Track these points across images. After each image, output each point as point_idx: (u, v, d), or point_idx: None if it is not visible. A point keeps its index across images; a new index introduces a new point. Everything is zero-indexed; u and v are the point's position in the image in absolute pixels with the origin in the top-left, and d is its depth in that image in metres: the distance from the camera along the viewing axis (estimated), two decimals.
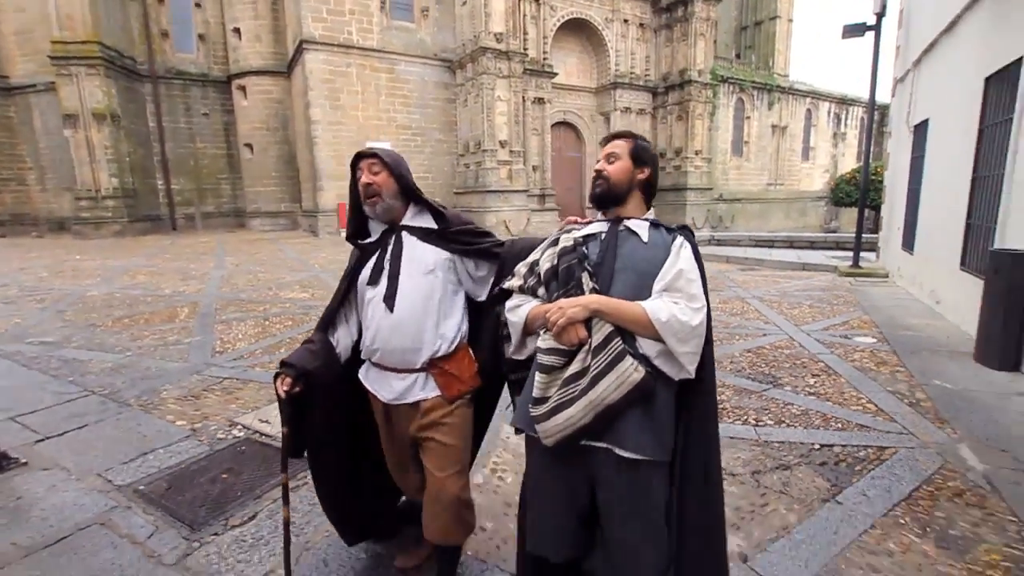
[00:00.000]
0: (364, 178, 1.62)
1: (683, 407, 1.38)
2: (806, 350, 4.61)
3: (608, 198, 1.50)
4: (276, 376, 1.61)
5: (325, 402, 1.69)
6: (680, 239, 1.42)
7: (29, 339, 5.11)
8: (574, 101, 22.14)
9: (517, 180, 18.65)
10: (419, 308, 1.62)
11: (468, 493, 1.71)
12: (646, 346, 1.31)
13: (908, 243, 7.79)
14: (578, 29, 21.26)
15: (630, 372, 1.27)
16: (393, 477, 1.90)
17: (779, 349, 4.66)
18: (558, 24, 20.18)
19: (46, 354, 4.62)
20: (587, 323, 1.32)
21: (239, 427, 3.14)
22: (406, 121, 18.86)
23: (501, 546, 2.02)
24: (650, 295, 1.34)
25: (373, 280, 1.65)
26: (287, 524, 1.65)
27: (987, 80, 5.07)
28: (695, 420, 1.39)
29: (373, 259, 1.68)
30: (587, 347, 1.31)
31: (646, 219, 1.48)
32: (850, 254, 9.52)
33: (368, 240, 1.74)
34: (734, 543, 2.01)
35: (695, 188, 22.57)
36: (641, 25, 22.41)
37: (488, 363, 1.74)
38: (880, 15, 8.53)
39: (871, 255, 10.16)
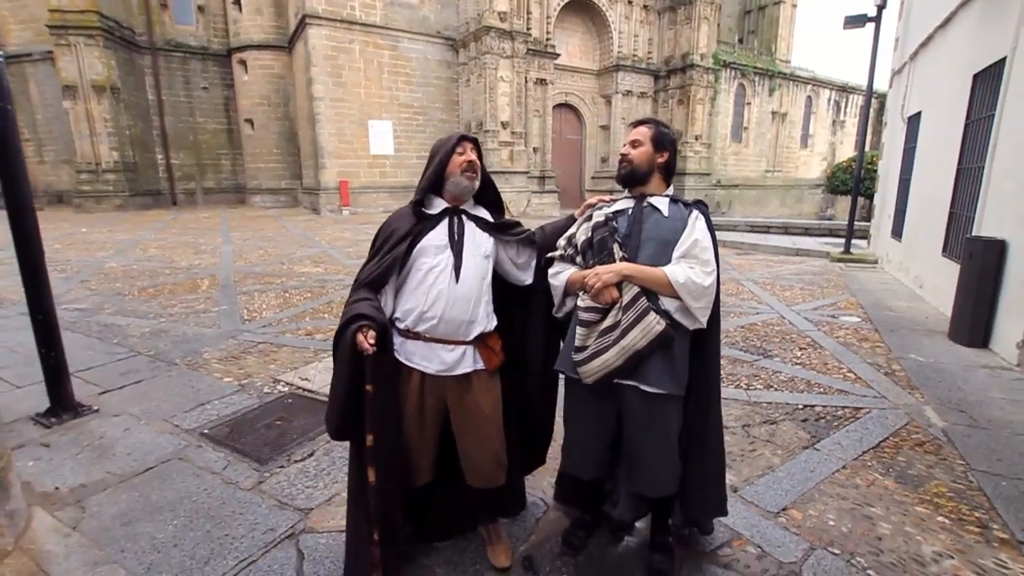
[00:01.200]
0: (471, 156, 1.77)
1: (695, 354, 1.72)
2: (795, 327, 4.98)
3: (632, 179, 1.78)
4: (357, 330, 1.54)
5: (388, 364, 1.67)
6: (695, 212, 1.71)
7: (64, 305, 5.38)
8: (576, 83, 22.18)
9: (518, 162, 18.82)
10: (477, 286, 1.76)
11: (503, 442, 1.83)
12: (667, 303, 1.64)
13: (897, 231, 8.14)
14: (581, 9, 21.19)
15: (653, 324, 1.58)
16: (411, 458, 1.79)
17: (770, 326, 5.02)
18: (561, 4, 20.11)
19: (84, 319, 4.92)
20: (618, 286, 1.64)
21: (282, 383, 3.46)
22: (408, 100, 18.88)
23: (530, 477, 2.37)
24: (670, 261, 1.66)
25: (442, 251, 1.73)
26: (375, 489, 1.59)
27: (975, 77, 5.35)
28: (703, 364, 1.75)
29: (438, 231, 1.76)
30: (618, 305, 1.62)
31: (666, 195, 1.77)
32: (843, 241, 9.88)
33: (430, 212, 1.80)
34: (727, 479, 2.37)
35: (694, 173, 22.80)
36: (645, 7, 22.35)
37: (542, 339, 1.92)
38: (881, 7, 8.73)
39: (863, 242, 10.53)
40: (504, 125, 18.24)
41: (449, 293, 1.71)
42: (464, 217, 1.81)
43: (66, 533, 2.02)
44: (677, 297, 1.61)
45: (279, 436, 2.77)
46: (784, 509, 2.16)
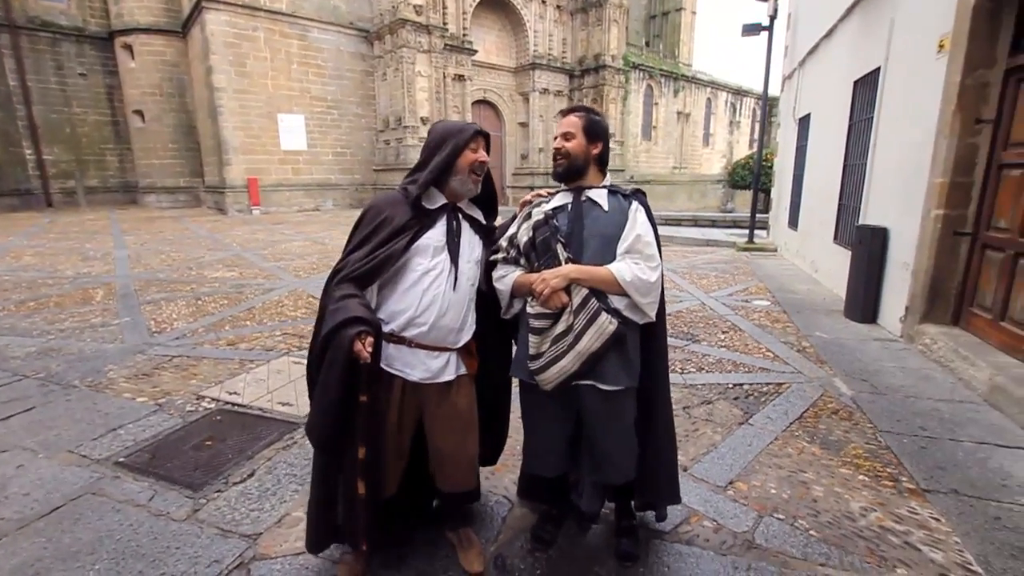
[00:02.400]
0: (483, 156, 1.66)
1: (643, 345, 1.74)
2: (715, 312, 5.35)
3: (569, 174, 1.72)
4: (356, 335, 1.42)
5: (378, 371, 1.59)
6: (635, 204, 1.69)
7: None
8: (494, 80, 22.28)
9: None
10: (468, 292, 1.71)
11: (478, 449, 1.86)
12: (616, 301, 1.64)
13: (793, 221, 8.99)
14: (497, 7, 21.30)
15: (606, 325, 1.58)
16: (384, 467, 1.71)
17: (694, 312, 5.35)
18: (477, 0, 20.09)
19: None
20: (567, 288, 1.61)
21: (207, 399, 3.17)
22: (321, 92, 18.02)
23: (490, 476, 2.35)
24: (615, 257, 1.64)
25: (441, 251, 1.64)
26: (365, 501, 1.57)
27: (855, 83, 6.03)
28: (651, 354, 1.78)
29: (438, 229, 1.64)
30: (569, 309, 1.61)
31: (604, 186, 1.73)
32: (746, 232, 10.75)
33: (430, 207, 1.67)
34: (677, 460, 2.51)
35: (609, 170, 23.68)
36: (558, 7, 22.91)
37: (496, 341, 1.87)
38: (773, 17, 9.58)
39: (763, 232, 11.52)
40: (423, 121, 17.92)
41: (444, 300, 1.62)
42: (461, 216, 1.71)
43: None
44: (626, 294, 1.62)
45: (212, 458, 2.53)
46: (731, 482, 2.31)
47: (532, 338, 1.64)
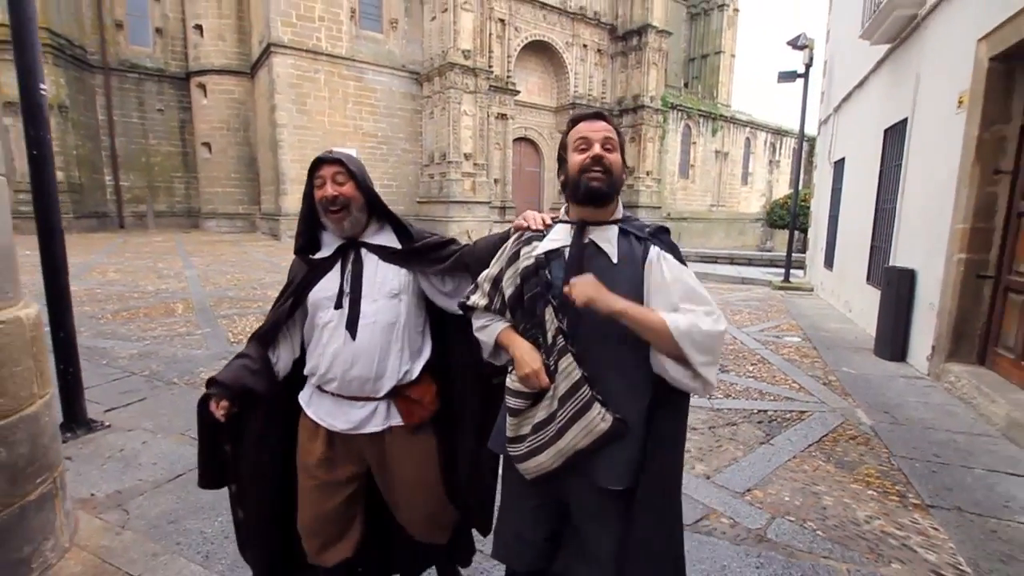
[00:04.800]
0: (329, 190, 1.41)
1: (650, 428, 1.27)
2: (746, 346, 5.57)
3: (608, 196, 1.27)
4: (206, 398, 1.43)
5: (260, 426, 1.54)
6: (654, 251, 1.25)
7: None
8: (535, 118, 23.23)
9: (480, 192, 19.43)
10: (383, 335, 1.48)
11: (443, 503, 1.63)
12: (663, 362, 1.19)
13: (829, 261, 9.11)
14: (540, 50, 22.42)
15: (597, 422, 1.22)
16: (318, 530, 1.55)
17: (724, 345, 5.59)
18: (522, 45, 21.24)
19: None
20: (553, 370, 1.26)
21: None
22: (372, 129, 19.24)
23: None
24: (621, 329, 1.20)
25: (333, 303, 1.48)
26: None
27: (886, 131, 6.30)
28: (659, 444, 1.27)
29: (329, 279, 1.50)
30: (551, 394, 1.27)
31: (614, 222, 1.30)
32: (782, 271, 10.86)
33: (321, 255, 1.53)
34: (700, 469, 2.80)
35: (646, 206, 24.13)
36: (599, 51, 23.90)
37: (468, 382, 1.60)
38: (808, 65, 9.95)
39: (799, 272, 11.59)
40: (467, 157, 18.86)
41: (345, 352, 1.46)
42: (364, 251, 1.52)
43: (117, 532, 2.18)
44: (673, 356, 1.17)
45: None
46: (748, 490, 2.59)
47: (509, 419, 1.35)
